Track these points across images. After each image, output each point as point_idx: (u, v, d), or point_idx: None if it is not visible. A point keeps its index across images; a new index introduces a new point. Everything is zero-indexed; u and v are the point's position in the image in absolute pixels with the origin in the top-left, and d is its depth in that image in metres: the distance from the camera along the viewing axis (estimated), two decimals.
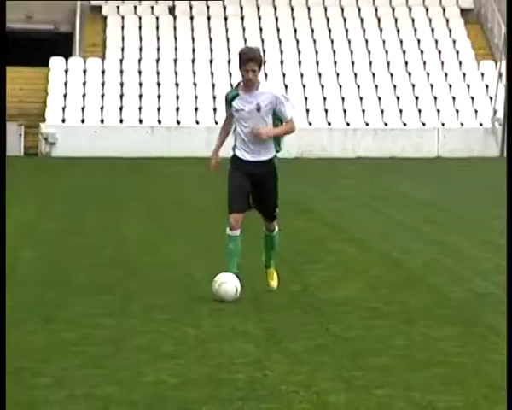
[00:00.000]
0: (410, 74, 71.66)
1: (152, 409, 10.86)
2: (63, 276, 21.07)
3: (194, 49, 72.75)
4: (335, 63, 71.86)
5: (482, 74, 71.76)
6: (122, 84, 69.48)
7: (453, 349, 14.64)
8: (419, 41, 74.38)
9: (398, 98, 69.87)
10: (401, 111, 69.10)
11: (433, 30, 75.20)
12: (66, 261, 23.20)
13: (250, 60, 15.20)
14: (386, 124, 68.11)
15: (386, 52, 73.22)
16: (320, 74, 71.07)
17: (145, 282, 20.25)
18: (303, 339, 14.91)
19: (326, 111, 68.85)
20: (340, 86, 70.35)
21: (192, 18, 74.52)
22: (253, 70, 15.22)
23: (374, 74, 71.29)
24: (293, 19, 75.44)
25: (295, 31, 74.65)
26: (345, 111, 68.88)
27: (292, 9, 76.00)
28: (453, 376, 13.07)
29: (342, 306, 17.87)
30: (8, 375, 12.80)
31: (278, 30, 74.40)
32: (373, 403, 11.58)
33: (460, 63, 72.95)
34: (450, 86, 71.02)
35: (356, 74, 71.21)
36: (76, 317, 16.53)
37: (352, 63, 72.12)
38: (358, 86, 70.43)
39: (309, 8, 75.85)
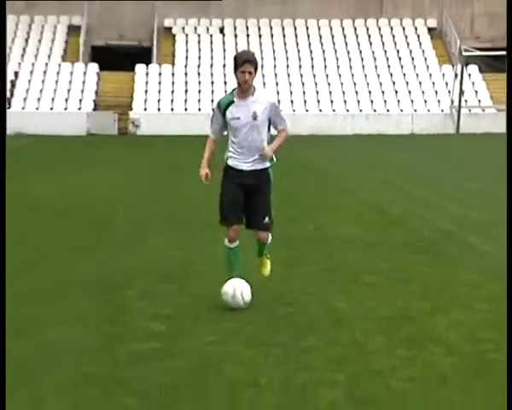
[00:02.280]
0: (391, 75, 71.23)
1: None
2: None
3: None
4: (338, 67, 71.47)
5: (443, 75, 71.36)
6: (186, 83, 69.32)
7: (427, 270, 14.50)
8: (398, 51, 73.94)
9: (383, 92, 69.46)
10: (385, 101, 68.79)
11: (408, 43, 74.69)
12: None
13: (246, 61, 11.29)
14: (374, 110, 67.81)
15: (375, 59, 72.68)
16: (327, 75, 70.71)
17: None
18: (314, 264, 14.95)
19: (331, 101, 68.58)
20: (342, 84, 70.05)
21: (236, 35, 74.17)
22: (249, 71, 11.14)
23: (366, 75, 70.83)
24: (320, 37, 74.93)
25: (309, 44, 74.17)
26: (345, 101, 68.69)
27: (307, 28, 75.28)
28: (426, 290, 12.97)
29: (344, 239, 17.82)
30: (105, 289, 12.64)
31: (297, 44, 74.05)
32: (367, 309, 11.49)
33: (427, 67, 72.46)
34: (420, 83, 70.60)
35: (353, 75, 70.83)
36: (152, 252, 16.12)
37: (350, 67, 71.68)
38: (355, 84, 70.11)
39: (319, 28, 75.50)
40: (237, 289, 11.20)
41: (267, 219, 11.24)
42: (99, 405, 7.96)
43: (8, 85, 68.03)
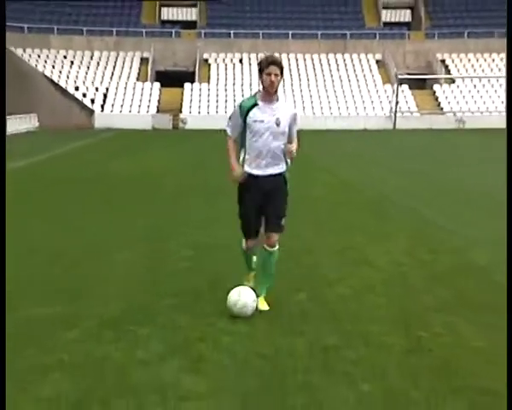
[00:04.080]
0: (351, 90, 70.88)
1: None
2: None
3: (251, 82, 71.85)
4: (317, 85, 71.03)
5: (385, 90, 71.02)
6: (217, 95, 69.03)
7: (368, 220, 14.36)
8: (356, 75, 73.54)
9: (346, 101, 69.13)
10: (347, 107, 68.55)
11: (362, 70, 74.21)
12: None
13: (271, 63, 7.97)
14: (340, 113, 67.55)
15: (341, 80, 72.26)
16: (310, 90, 70.19)
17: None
18: (297, 216, 14.39)
19: (312, 107, 68.26)
20: (319, 96, 69.63)
21: (250, 64, 73.80)
22: (275, 74, 7.87)
23: (335, 91, 70.48)
24: (305, 65, 74.71)
25: (298, 70, 73.68)
26: (321, 107, 68.36)
27: (297, 60, 74.88)
28: (366, 230, 12.83)
29: (315, 198, 17.60)
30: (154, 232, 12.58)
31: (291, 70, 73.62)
32: (327, 242, 11.35)
33: (375, 85, 72.13)
34: (370, 96, 70.33)
35: (327, 90, 70.41)
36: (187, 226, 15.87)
37: (325, 85, 71.30)
38: (328, 96, 69.63)
39: (305, 59, 75.21)
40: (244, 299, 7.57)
41: (283, 220, 7.90)
42: None
43: (102, 96, 68.16)
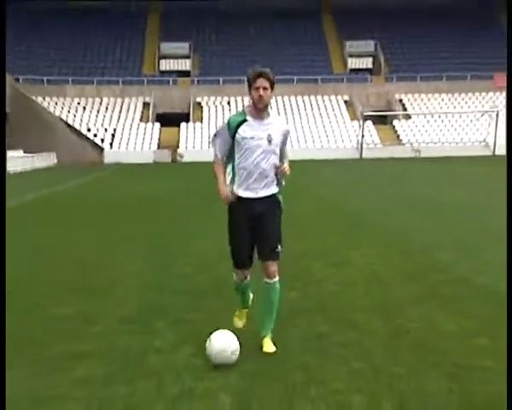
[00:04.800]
0: (324, 126, 70.88)
1: None
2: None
3: None
4: (294, 122, 70.99)
5: (353, 126, 70.92)
6: (209, 133, 68.70)
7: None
8: (327, 114, 73.55)
9: (319, 136, 69.14)
10: (321, 141, 68.47)
11: (333, 109, 74.32)
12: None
13: (259, 76, 6.21)
14: (315, 146, 67.41)
15: (314, 117, 72.29)
16: (289, 125, 70.14)
17: None
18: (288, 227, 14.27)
19: (291, 141, 68.22)
20: (296, 131, 69.51)
21: (237, 106, 73.72)
22: (264, 87, 6.15)
23: (310, 126, 70.43)
24: (284, 104, 74.72)
25: (278, 108, 73.72)
26: (298, 141, 68.13)
27: (277, 101, 74.96)
28: (343, 231, 12.77)
29: (298, 212, 17.48)
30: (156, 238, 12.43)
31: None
32: (325, 249, 11.26)
33: (344, 122, 72.08)
34: (340, 131, 70.40)
35: (302, 126, 70.35)
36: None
37: (301, 122, 71.28)
38: (304, 132, 69.63)
39: (283, 100, 75.23)
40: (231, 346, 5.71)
41: (279, 247, 6.20)
42: None
43: (110, 136, 68.10)
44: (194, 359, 5.88)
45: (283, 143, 6.26)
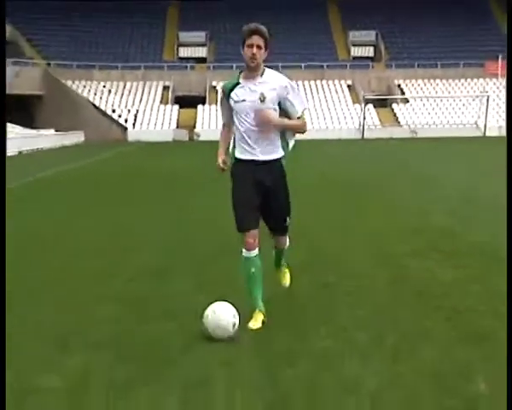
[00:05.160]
0: (329, 109, 70.60)
1: None
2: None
3: None
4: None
5: (355, 109, 70.67)
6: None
7: (370, 206, 14.16)
8: (332, 96, 73.32)
9: (324, 118, 68.92)
10: (325, 122, 68.21)
11: (337, 92, 74.13)
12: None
13: (253, 32, 5.13)
14: (320, 127, 67.09)
15: (320, 101, 71.95)
16: None
17: None
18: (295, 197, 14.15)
19: None
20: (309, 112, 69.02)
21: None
22: (257, 45, 5.11)
23: (315, 109, 70.10)
24: None
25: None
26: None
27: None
28: (372, 214, 12.68)
29: (298, 184, 17.32)
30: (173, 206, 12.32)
31: None
32: (330, 217, 11.13)
33: (347, 105, 71.96)
34: (343, 113, 70.15)
35: (315, 108, 69.93)
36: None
37: (314, 104, 70.80)
38: (316, 111, 69.31)
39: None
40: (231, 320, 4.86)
41: (288, 220, 5.54)
42: None
43: (133, 116, 68.01)
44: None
45: (284, 99, 5.24)
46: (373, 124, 68.53)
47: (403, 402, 3.72)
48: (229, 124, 5.53)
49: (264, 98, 5.17)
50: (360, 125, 66.51)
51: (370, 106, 69.81)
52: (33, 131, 51.35)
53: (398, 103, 72.66)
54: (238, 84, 5.26)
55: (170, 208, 12.63)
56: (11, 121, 52.28)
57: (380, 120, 69.68)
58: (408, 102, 72.69)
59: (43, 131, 52.73)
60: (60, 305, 5.84)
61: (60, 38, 73.63)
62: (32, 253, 8.35)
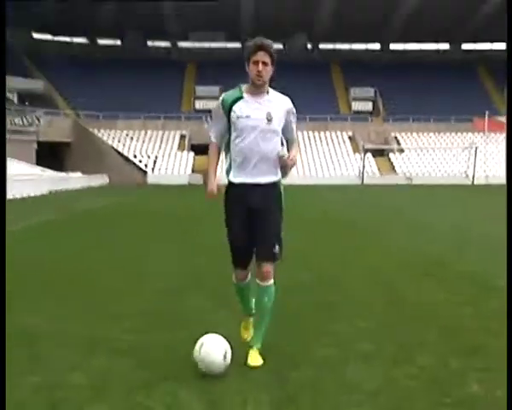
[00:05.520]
0: (331, 157, 70.69)
1: None
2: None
3: None
4: (307, 157, 70.86)
5: (355, 158, 70.91)
6: None
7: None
8: (334, 147, 73.54)
9: (327, 165, 69.04)
10: (328, 169, 68.31)
11: (339, 144, 74.36)
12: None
13: (259, 48, 4.28)
14: (323, 174, 67.17)
15: (324, 152, 72.20)
16: (302, 160, 69.89)
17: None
18: (297, 229, 14.04)
19: (303, 170, 67.96)
20: (315, 166, 69.27)
21: None
22: (263, 62, 4.28)
23: (320, 160, 70.27)
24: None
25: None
26: (309, 170, 67.71)
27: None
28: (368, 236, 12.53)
29: (313, 221, 17.19)
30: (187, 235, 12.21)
31: None
32: (330, 248, 11.07)
33: (348, 154, 72.25)
34: (345, 161, 70.30)
35: (320, 160, 70.05)
36: None
37: (318, 156, 71.11)
38: (320, 162, 69.38)
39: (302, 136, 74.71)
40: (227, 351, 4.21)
41: (277, 247, 4.45)
42: None
43: (153, 162, 68.41)
44: (228, 321, 5.68)
45: (287, 123, 4.54)
46: (372, 171, 68.71)
47: (400, 400, 3.69)
48: (219, 140, 4.59)
49: (272, 119, 4.41)
50: (360, 172, 66.68)
51: (369, 155, 70.02)
52: (62, 174, 51.70)
53: (394, 153, 72.97)
54: (241, 98, 4.43)
55: (184, 240, 12.64)
56: (43, 165, 53.13)
57: (378, 168, 69.88)
58: (403, 152, 73.03)
59: (71, 174, 53.12)
60: (86, 319, 5.83)
61: (88, 91, 74.38)
62: (64, 272, 8.43)
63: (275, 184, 4.48)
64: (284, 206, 4.55)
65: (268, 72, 4.38)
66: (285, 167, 4.47)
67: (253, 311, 4.78)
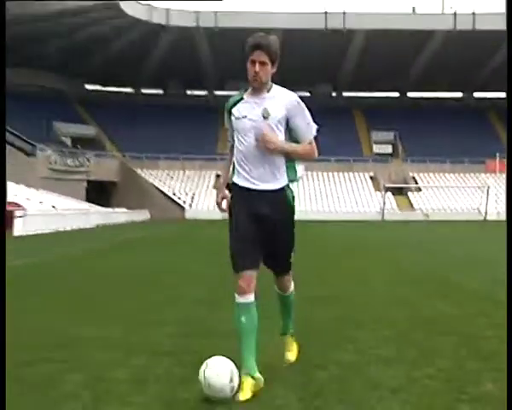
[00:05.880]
0: (354, 195, 70.36)
1: None
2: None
3: None
4: (330, 196, 70.73)
5: (377, 195, 70.44)
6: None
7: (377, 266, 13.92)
8: (358, 187, 73.31)
9: (351, 202, 68.67)
10: (351, 206, 67.95)
11: (361, 182, 74.14)
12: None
13: (257, 47, 3.52)
14: (347, 211, 66.82)
15: (347, 191, 72.02)
16: (328, 198, 69.86)
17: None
18: (316, 255, 13.79)
19: (328, 206, 67.73)
20: (334, 204, 69.03)
21: None
22: (260, 61, 3.52)
23: (338, 198, 70.03)
24: (318, 180, 74.43)
25: (314, 186, 73.36)
26: (334, 206, 67.48)
27: (311, 175, 74.59)
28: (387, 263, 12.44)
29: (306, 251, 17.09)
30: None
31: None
32: (346, 273, 10.91)
33: (370, 193, 71.89)
34: (366, 199, 69.94)
35: (338, 199, 69.89)
36: None
37: (338, 196, 70.96)
38: (339, 201, 69.13)
39: (317, 176, 74.90)
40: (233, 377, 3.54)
41: (291, 257, 3.97)
42: None
43: (190, 199, 68.91)
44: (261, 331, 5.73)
45: (293, 120, 3.79)
46: (391, 208, 68.23)
47: (420, 396, 3.60)
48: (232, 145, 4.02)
49: (268, 115, 3.73)
50: (381, 209, 66.24)
51: (389, 194, 69.67)
52: (109, 209, 52.36)
53: (412, 192, 72.64)
54: (242, 99, 3.85)
55: (217, 259, 12.64)
56: (93, 202, 54.16)
57: (397, 205, 69.49)
58: (421, 190, 72.59)
59: (116, 209, 53.76)
60: (128, 325, 5.85)
61: (133, 135, 75.44)
62: (109, 287, 8.45)
63: (282, 190, 3.80)
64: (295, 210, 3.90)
65: (266, 72, 3.71)
66: (263, 147, 3.72)
67: (251, 371, 3.70)
